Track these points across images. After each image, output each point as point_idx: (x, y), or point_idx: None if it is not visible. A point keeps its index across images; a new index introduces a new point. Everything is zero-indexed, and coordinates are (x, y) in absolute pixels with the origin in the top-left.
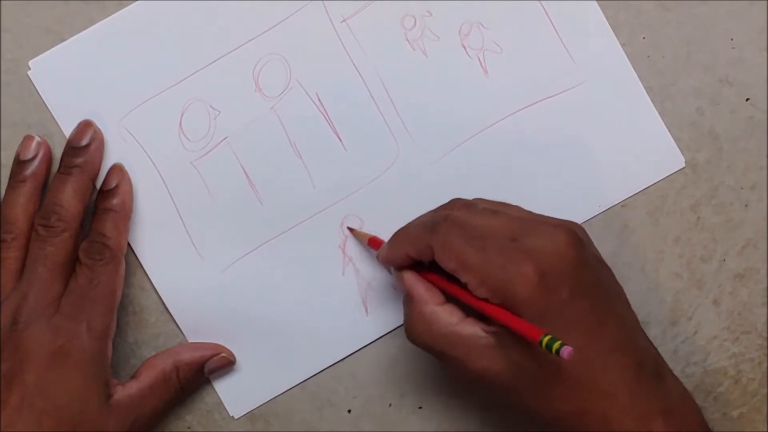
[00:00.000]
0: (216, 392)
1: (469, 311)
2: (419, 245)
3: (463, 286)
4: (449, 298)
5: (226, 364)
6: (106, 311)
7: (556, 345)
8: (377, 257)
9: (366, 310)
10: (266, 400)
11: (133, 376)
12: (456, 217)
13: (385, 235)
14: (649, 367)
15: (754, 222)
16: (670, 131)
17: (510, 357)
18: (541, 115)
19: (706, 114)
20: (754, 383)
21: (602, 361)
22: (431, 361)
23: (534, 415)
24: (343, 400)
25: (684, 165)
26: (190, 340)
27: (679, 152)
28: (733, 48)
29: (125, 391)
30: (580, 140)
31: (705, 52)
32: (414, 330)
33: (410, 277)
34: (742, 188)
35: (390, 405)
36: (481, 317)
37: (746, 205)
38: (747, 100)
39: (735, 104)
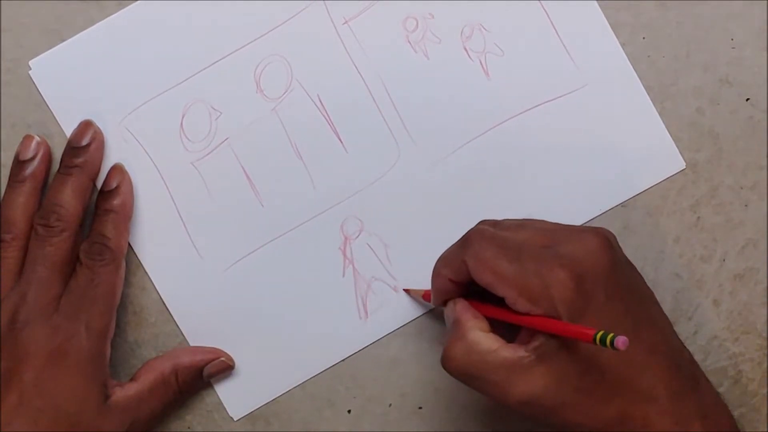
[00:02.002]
0: (216, 392)
1: (511, 338)
2: (454, 264)
3: (504, 306)
4: (493, 329)
5: (225, 368)
6: (105, 311)
7: (610, 337)
8: (432, 304)
9: (366, 312)
10: (266, 402)
11: (132, 378)
12: (486, 230)
13: (387, 235)
14: (685, 369)
15: (754, 222)
16: (670, 131)
17: (551, 372)
18: (543, 118)
19: (706, 114)
20: (754, 383)
21: (642, 363)
22: (431, 362)
23: (575, 429)
24: (343, 400)
25: (684, 167)
26: (190, 341)
27: (680, 154)
28: (733, 48)
29: (124, 392)
30: (582, 142)
31: (705, 52)
32: (453, 355)
33: (459, 306)
34: (742, 188)
35: (390, 405)
36: (522, 342)
37: (746, 205)
38: (747, 100)
39: (735, 104)
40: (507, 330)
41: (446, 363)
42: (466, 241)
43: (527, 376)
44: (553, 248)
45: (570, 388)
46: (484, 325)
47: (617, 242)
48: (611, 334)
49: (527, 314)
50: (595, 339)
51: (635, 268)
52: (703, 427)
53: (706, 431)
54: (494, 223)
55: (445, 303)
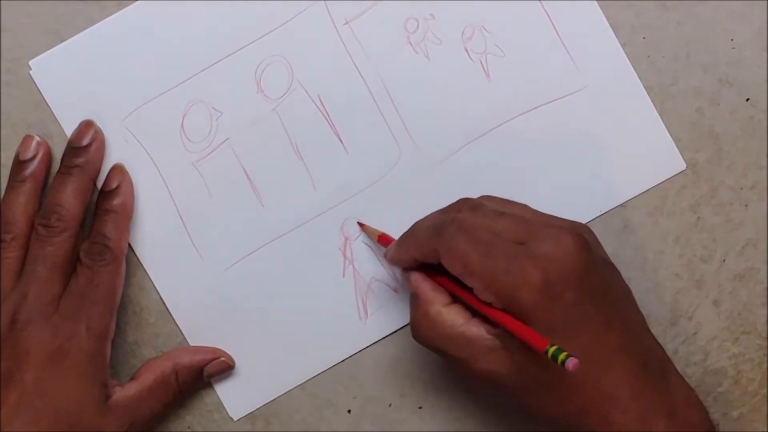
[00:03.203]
0: (216, 392)
1: (476, 312)
2: (425, 249)
3: (470, 290)
4: (456, 299)
5: (225, 368)
6: (105, 312)
7: (562, 356)
8: (384, 256)
9: (366, 312)
10: (266, 402)
11: (132, 378)
12: (462, 220)
13: (392, 237)
14: (653, 367)
15: (754, 222)
16: (670, 131)
17: (514, 359)
18: (543, 119)
19: (706, 114)
20: (754, 383)
21: (605, 363)
22: (431, 361)
23: (536, 415)
24: (343, 400)
25: (685, 167)
26: (190, 341)
27: (680, 155)
28: (733, 48)
29: (124, 392)
30: (582, 144)
31: (705, 52)
32: (419, 330)
33: (417, 278)
34: (742, 188)
35: (390, 405)
36: (487, 318)
37: (746, 205)
38: (747, 100)
39: (735, 104)
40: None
41: (415, 337)
42: (440, 230)
43: (490, 356)
44: (527, 245)
45: (531, 378)
46: (445, 297)
47: (595, 239)
48: (564, 353)
49: (490, 304)
50: (547, 352)
51: (612, 266)
52: (668, 425)
53: (671, 430)
54: (474, 207)
55: (402, 269)
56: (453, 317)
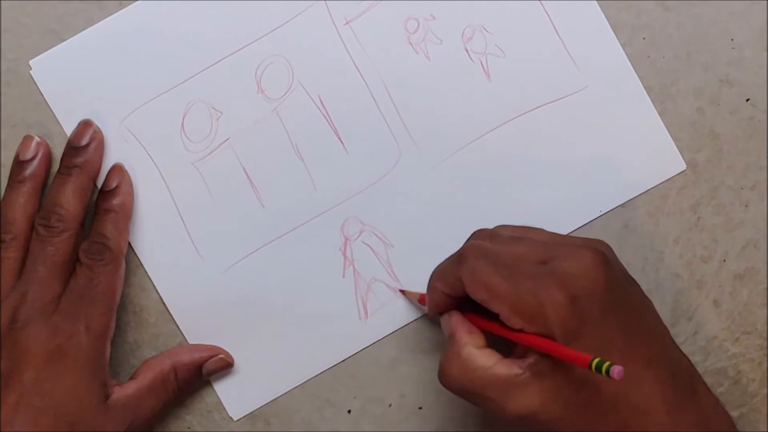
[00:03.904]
0: (216, 392)
1: (508, 354)
2: (449, 279)
3: (500, 321)
4: (490, 343)
5: (224, 365)
6: (105, 311)
7: (606, 366)
8: (427, 313)
9: (366, 312)
10: (266, 402)
11: (132, 377)
12: (481, 246)
13: (387, 236)
14: (682, 380)
15: (754, 222)
16: (670, 131)
17: (547, 388)
18: (544, 120)
19: (706, 114)
20: (754, 383)
21: (637, 377)
22: (431, 362)
23: None
24: (343, 400)
25: (685, 168)
26: (190, 341)
27: (680, 156)
28: (733, 48)
29: (123, 391)
30: (582, 144)
31: (705, 52)
32: (449, 372)
33: (455, 319)
34: (742, 188)
35: (390, 405)
36: (519, 356)
37: (746, 205)
38: (747, 100)
39: (735, 104)
40: (504, 341)
41: (442, 380)
42: (461, 257)
43: (523, 393)
44: (549, 264)
45: (566, 405)
46: (480, 340)
47: (614, 254)
48: (607, 363)
49: (521, 331)
50: (590, 365)
51: (632, 280)
52: None
53: None
54: (490, 236)
55: (440, 314)
56: (485, 359)
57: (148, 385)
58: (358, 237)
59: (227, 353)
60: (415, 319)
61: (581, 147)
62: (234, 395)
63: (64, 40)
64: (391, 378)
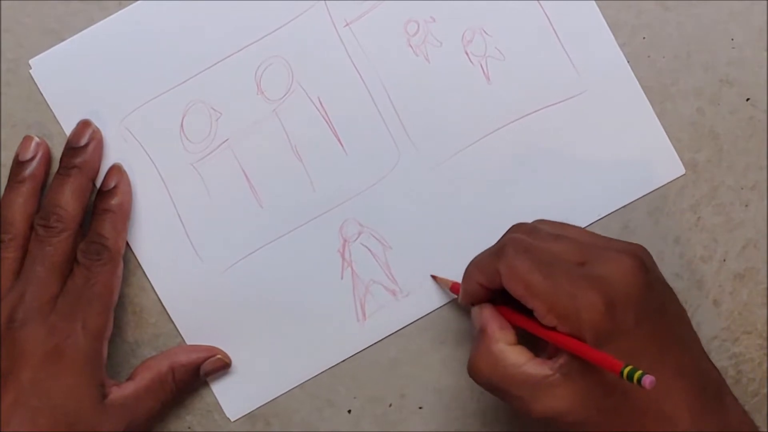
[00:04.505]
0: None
1: (538, 352)
2: (488, 271)
3: (533, 317)
4: (521, 341)
5: (221, 366)
6: (102, 311)
7: (638, 375)
8: (458, 300)
9: (364, 314)
10: (263, 403)
11: (130, 377)
12: (521, 240)
13: (386, 238)
14: (710, 390)
15: (754, 222)
16: (670, 131)
17: (576, 391)
18: (543, 123)
19: (706, 114)
20: (754, 383)
21: (667, 386)
22: (431, 362)
23: None
24: (343, 400)
25: (684, 172)
26: (188, 342)
27: (679, 160)
28: (733, 48)
29: (121, 391)
30: (581, 148)
31: (705, 52)
32: (478, 367)
33: (487, 313)
34: (742, 188)
35: (390, 405)
36: (549, 356)
37: (746, 205)
38: (747, 100)
39: (735, 104)
40: (533, 338)
41: (471, 373)
42: (501, 250)
43: (551, 394)
44: (587, 267)
45: (593, 408)
46: (511, 337)
47: (653, 261)
48: (639, 372)
49: (554, 329)
50: (622, 373)
51: (669, 288)
52: None
53: None
54: (530, 231)
55: (472, 304)
56: (516, 356)
57: (146, 385)
58: (356, 239)
59: (225, 354)
60: (414, 321)
61: (580, 151)
62: (231, 396)
63: (64, 40)
64: (391, 378)
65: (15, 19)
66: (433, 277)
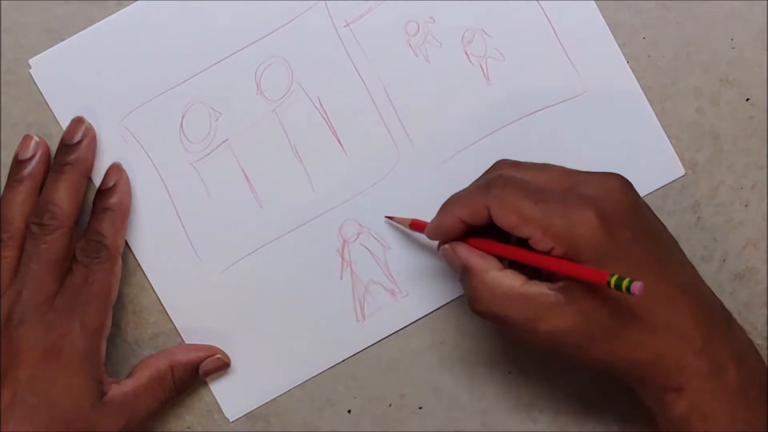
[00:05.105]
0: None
1: (531, 274)
2: (473, 206)
3: (521, 245)
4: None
5: (221, 366)
6: (100, 309)
7: (626, 282)
8: (426, 233)
9: (363, 315)
10: (262, 403)
11: (129, 375)
12: (508, 175)
13: (385, 239)
14: (717, 312)
15: (754, 222)
16: (670, 131)
17: (580, 310)
18: (543, 123)
19: (706, 114)
20: None
21: (672, 300)
22: (431, 362)
23: (607, 368)
24: (343, 400)
25: (683, 173)
26: (187, 342)
27: (679, 161)
28: (733, 48)
29: (120, 389)
30: (581, 148)
31: (705, 52)
32: (479, 300)
33: (463, 249)
34: (742, 188)
35: (390, 405)
36: (544, 279)
37: (746, 205)
38: (747, 100)
39: (735, 104)
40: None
41: (473, 307)
42: (488, 185)
43: (556, 312)
44: (575, 190)
45: (600, 328)
46: (497, 263)
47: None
48: (627, 279)
49: (546, 254)
50: (609, 283)
51: (657, 218)
52: (738, 371)
53: (741, 375)
54: (515, 165)
55: (443, 242)
56: (510, 280)
57: (145, 383)
58: (356, 239)
59: (224, 353)
60: (413, 322)
61: (580, 151)
62: (231, 396)
63: (64, 40)
64: (391, 378)
65: (15, 19)
66: (389, 218)
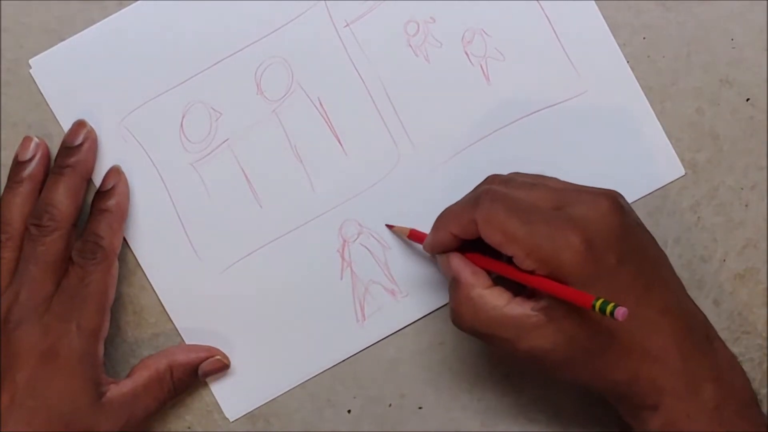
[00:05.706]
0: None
1: (517, 292)
2: (463, 221)
3: (509, 262)
4: (496, 281)
5: (220, 367)
6: (97, 310)
7: (610, 307)
8: (423, 247)
9: (363, 315)
10: (262, 403)
11: (128, 376)
12: (497, 190)
13: (385, 239)
14: (698, 331)
15: (754, 222)
16: (670, 132)
17: (561, 331)
18: (543, 124)
19: (706, 114)
20: (755, 383)
21: (652, 324)
22: (431, 362)
23: (585, 386)
24: (343, 400)
25: (684, 173)
26: (187, 342)
27: (679, 161)
28: (733, 48)
29: (119, 389)
30: (581, 148)
31: (705, 52)
32: (461, 315)
33: (457, 261)
34: (742, 188)
35: (390, 405)
36: (530, 295)
37: (746, 205)
38: (747, 100)
39: (735, 104)
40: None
41: (455, 322)
42: (477, 199)
43: (536, 333)
44: (564, 210)
45: (579, 348)
46: (486, 280)
47: (628, 204)
48: (612, 304)
49: (531, 272)
50: (594, 307)
51: (647, 230)
52: (715, 389)
53: (718, 393)
54: (505, 181)
55: (439, 254)
56: (495, 299)
57: (144, 384)
58: (356, 239)
59: (224, 354)
60: (413, 322)
61: (580, 151)
62: (231, 396)
63: (64, 40)
64: (391, 378)
65: (15, 19)
66: (389, 226)
